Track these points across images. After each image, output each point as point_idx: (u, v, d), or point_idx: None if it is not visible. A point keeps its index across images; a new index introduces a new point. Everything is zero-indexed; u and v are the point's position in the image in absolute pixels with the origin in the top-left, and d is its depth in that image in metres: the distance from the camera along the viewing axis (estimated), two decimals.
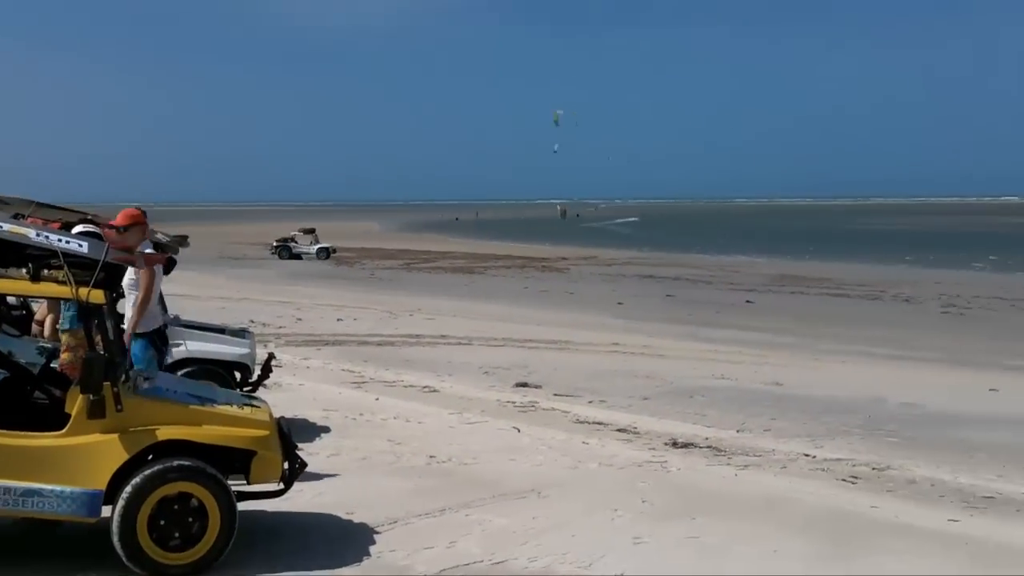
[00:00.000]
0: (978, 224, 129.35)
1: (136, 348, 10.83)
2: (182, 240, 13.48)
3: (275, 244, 60.84)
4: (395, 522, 9.58)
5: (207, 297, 30.89)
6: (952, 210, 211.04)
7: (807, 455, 12.67)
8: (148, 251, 10.64)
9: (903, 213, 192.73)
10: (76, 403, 7.93)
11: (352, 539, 9.09)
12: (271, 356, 13.85)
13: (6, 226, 8.06)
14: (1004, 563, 8.82)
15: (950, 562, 8.81)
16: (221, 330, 14.03)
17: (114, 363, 8.09)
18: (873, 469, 12.00)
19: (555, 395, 16.56)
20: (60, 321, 11.45)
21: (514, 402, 15.88)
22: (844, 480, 11.53)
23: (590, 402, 16.04)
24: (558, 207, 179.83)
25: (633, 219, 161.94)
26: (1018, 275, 49.09)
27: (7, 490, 7.78)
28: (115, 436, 7.94)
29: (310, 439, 12.74)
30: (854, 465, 12.18)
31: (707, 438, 13.50)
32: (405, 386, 17.13)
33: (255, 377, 13.54)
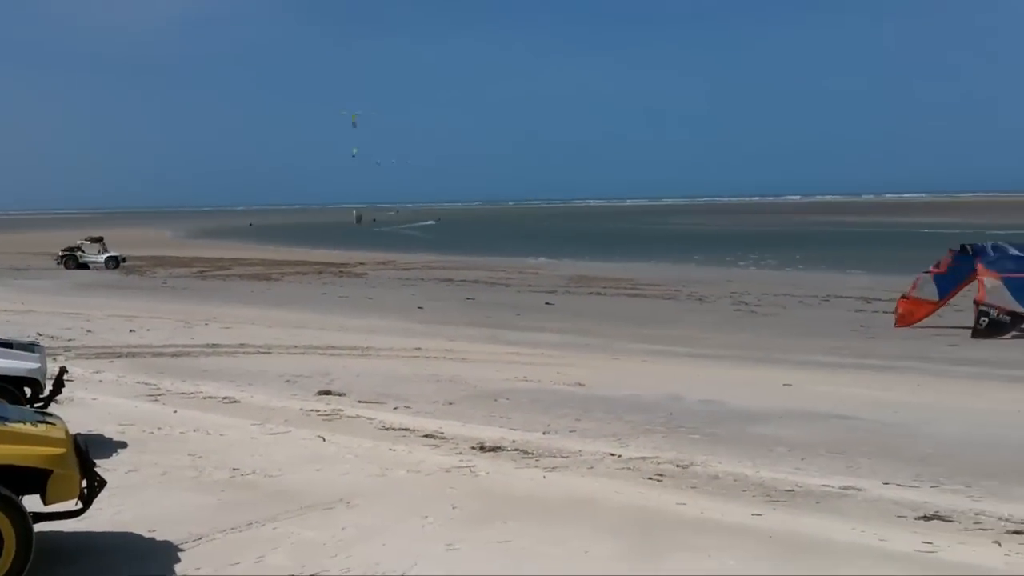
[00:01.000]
0: (762, 223, 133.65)
1: None
2: None
3: (61, 254, 58.75)
4: (200, 538, 9.27)
5: None
6: (737, 209, 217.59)
7: (613, 455, 12.79)
8: None
9: (692, 213, 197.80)
10: None
11: (156, 558, 8.76)
12: (63, 370, 13.32)
13: None
14: (807, 554, 9.01)
15: (755, 555, 8.96)
16: (8, 344, 13.41)
17: None
18: (677, 466, 12.18)
19: (359, 402, 16.35)
20: None
21: (318, 411, 15.62)
22: (650, 478, 11.67)
23: (395, 408, 15.90)
24: (354, 212, 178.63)
25: (430, 223, 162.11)
26: (803, 272, 50.98)
27: None
28: None
29: (107, 455, 12.27)
30: (659, 463, 12.34)
31: (514, 441, 13.51)
32: (204, 397, 16.68)
33: (47, 392, 12.99)
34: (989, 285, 26.84)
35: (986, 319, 26.64)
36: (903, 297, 29.34)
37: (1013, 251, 27.76)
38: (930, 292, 28.78)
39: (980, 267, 27.30)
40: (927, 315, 28.55)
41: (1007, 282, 26.82)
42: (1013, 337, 26.11)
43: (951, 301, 29.17)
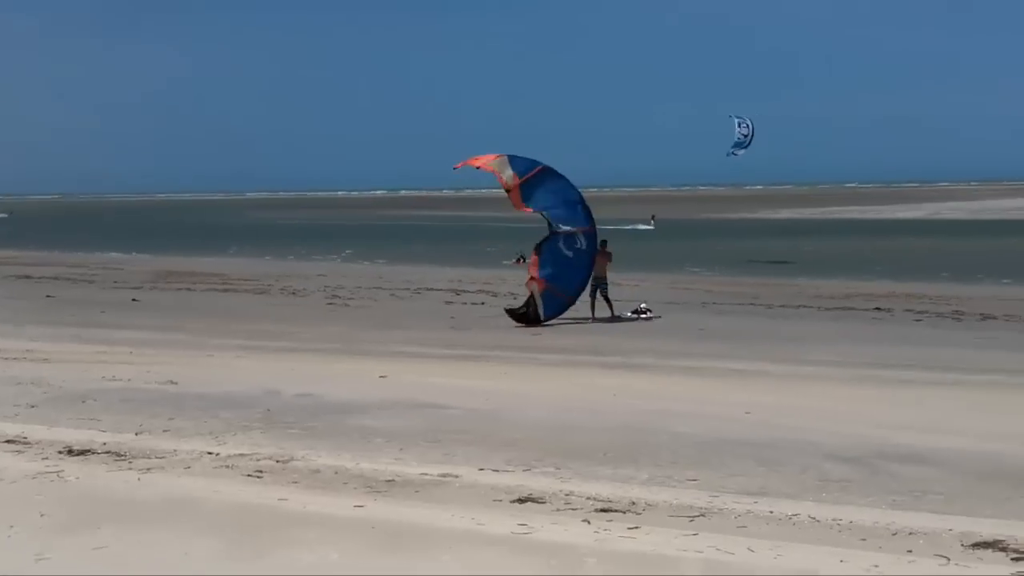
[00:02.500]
0: (349, 217, 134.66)
1: None
2: None
3: None
4: None
5: None
6: (326, 204, 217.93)
7: (210, 453, 12.52)
8: None
9: (276, 207, 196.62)
10: None
11: None
12: None
13: None
14: (409, 542, 9.16)
15: (358, 546, 9.04)
16: None
17: None
18: (277, 462, 12.08)
19: None
20: None
21: None
22: (250, 475, 11.51)
23: None
24: None
25: (3, 216, 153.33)
26: (393, 265, 51.89)
27: None
28: None
29: None
30: (258, 459, 12.19)
31: (105, 443, 12.96)
32: None
33: None
34: (534, 286, 28.30)
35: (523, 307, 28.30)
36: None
37: (566, 252, 28.90)
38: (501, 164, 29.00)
39: (535, 269, 28.62)
40: (485, 164, 28.96)
41: (545, 295, 28.32)
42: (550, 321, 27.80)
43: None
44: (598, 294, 28.90)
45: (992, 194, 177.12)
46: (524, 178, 28.82)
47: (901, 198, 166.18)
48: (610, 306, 28.82)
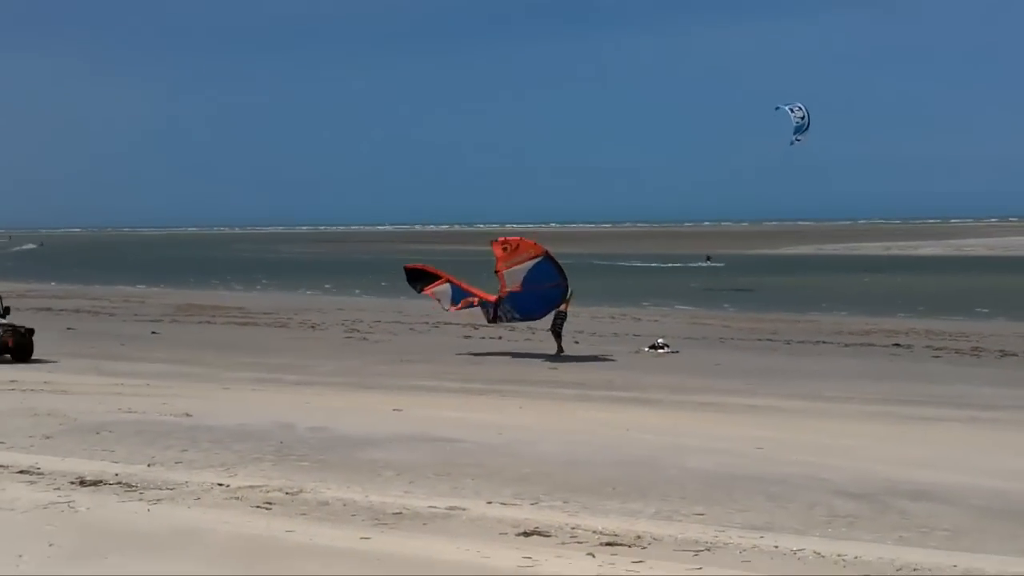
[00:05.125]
0: (369, 252, 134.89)
1: None
2: None
3: None
4: None
5: None
6: (341, 238, 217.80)
7: (221, 484, 12.58)
8: None
9: (299, 241, 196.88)
10: None
11: None
12: None
13: None
14: (411, 574, 9.20)
15: None
16: None
17: None
18: (287, 494, 12.13)
19: None
20: None
21: None
22: (259, 507, 11.56)
23: None
24: None
25: (31, 247, 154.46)
26: (412, 300, 51.86)
27: None
28: None
29: None
30: (268, 491, 12.25)
31: (117, 474, 13.04)
32: None
33: None
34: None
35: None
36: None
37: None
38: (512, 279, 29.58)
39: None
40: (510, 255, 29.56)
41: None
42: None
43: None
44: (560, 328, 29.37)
45: (1011, 230, 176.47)
46: (524, 288, 29.62)
47: (922, 234, 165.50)
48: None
